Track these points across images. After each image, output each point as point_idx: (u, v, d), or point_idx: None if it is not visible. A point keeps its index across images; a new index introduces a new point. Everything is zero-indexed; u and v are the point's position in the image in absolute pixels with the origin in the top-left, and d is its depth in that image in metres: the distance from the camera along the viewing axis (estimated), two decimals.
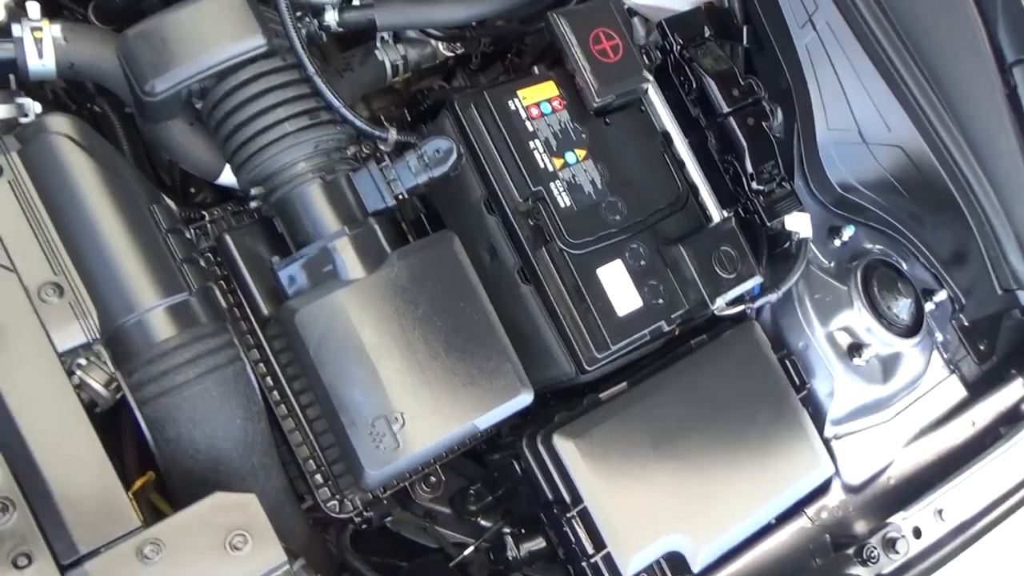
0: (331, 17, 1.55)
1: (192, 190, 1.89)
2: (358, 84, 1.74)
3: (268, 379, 1.47)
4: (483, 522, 1.69)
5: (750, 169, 1.62)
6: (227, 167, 1.52)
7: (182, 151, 1.50)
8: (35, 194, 1.25)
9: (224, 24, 1.34)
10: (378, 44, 1.72)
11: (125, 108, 1.65)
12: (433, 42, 1.79)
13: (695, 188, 1.67)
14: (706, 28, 1.68)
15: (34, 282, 1.22)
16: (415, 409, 1.35)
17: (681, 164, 1.66)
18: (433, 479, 1.69)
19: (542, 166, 1.52)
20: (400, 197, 1.44)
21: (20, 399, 1.16)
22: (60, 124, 1.28)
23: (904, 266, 1.82)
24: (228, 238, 1.47)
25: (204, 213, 1.52)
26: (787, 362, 1.64)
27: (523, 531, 1.59)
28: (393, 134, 1.48)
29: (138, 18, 1.57)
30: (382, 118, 1.88)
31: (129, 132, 1.86)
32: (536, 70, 1.59)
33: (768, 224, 1.62)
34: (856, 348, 1.69)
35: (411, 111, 1.86)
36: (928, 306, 1.80)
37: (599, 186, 1.55)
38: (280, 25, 1.41)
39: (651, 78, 1.61)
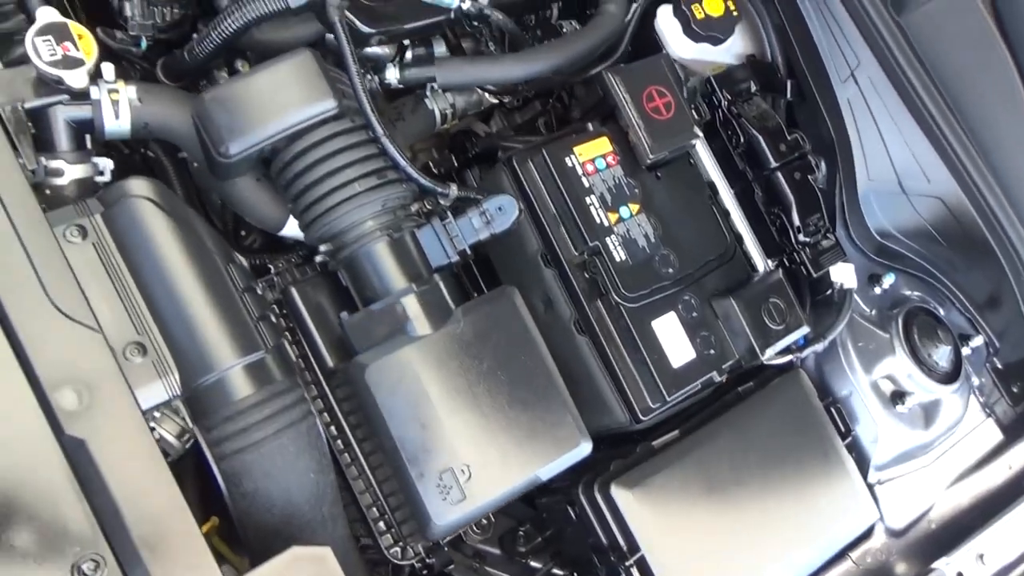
0: (392, 74, 1.59)
1: (243, 232, 1.93)
2: (409, 133, 1.79)
3: (332, 428, 1.51)
4: (533, 563, 1.72)
5: (797, 222, 1.66)
6: (290, 219, 1.57)
7: (249, 206, 1.54)
8: (118, 255, 1.28)
9: (297, 88, 1.38)
10: (428, 93, 1.76)
11: (178, 153, 1.69)
12: (479, 90, 1.84)
13: (740, 237, 1.71)
14: (752, 83, 1.73)
15: (119, 342, 1.25)
16: (481, 461, 1.39)
17: (727, 214, 1.71)
18: (484, 520, 1.72)
19: (598, 221, 1.56)
20: (463, 252, 1.48)
21: (108, 458, 1.19)
22: (142, 187, 1.32)
23: (941, 311, 1.86)
24: (294, 291, 1.50)
25: (270, 266, 1.56)
26: (832, 409, 1.69)
27: (574, 573, 1.63)
28: (454, 190, 1.52)
29: (204, 75, 1.64)
30: (430, 163, 1.94)
31: (182, 176, 1.91)
32: (590, 126, 1.63)
33: (815, 276, 1.67)
34: (899, 396, 1.73)
35: (457, 156, 1.92)
36: (965, 351, 1.84)
37: (652, 239, 1.60)
38: (346, 84, 1.46)
39: (701, 134, 1.65)
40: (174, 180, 1.84)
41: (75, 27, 1.34)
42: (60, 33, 1.32)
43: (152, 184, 1.33)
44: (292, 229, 1.59)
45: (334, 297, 1.54)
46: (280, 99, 1.38)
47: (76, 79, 1.32)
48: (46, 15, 1.33)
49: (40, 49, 1.30)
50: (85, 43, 1.34)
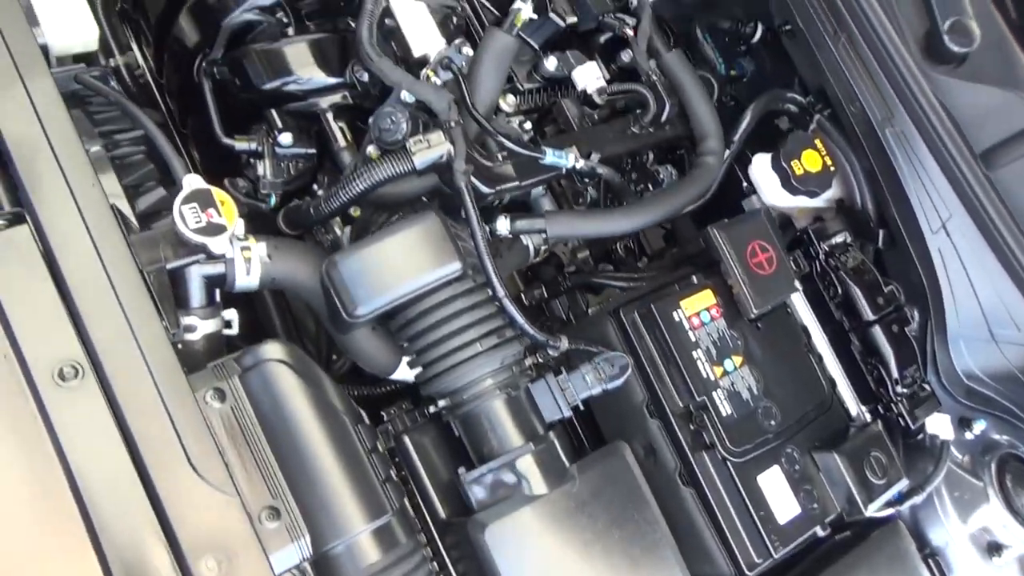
0: (503, 226, 1.64)
1: (334, 357, 1.98)
2: (506, 268, 1.84)
3: None
4: None
5: (896, 374, 1.69)
6: (402, 363, 1.61)
7: (364, 355, 1.57)
8: (255, 419, 1.32)
9: (425, 251, 1.43)
10: None
11: None
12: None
13: (833, 382, 1.74)
14: (847, 234, 1.77)
15: (256, 507, 1.28)
16: None
17: (820, 358, 1.74)
18: None
19: (704, 375, 1.59)
20: (576, 407, 1.51)
21: None
22: (277, 351, 1.36)
23: None
24: (407, 440, 1.54)
25: (383, 414, 1.59)
26: (930, 561, 1.69)
27: None
28: (565, 342, 1.56)
29: (323, 224, 1.69)
30: (522, 296, 1.98)
31: (279, 303, 1.97)
32: (694, 279, 1.67)
33: (912, 428, 1.69)
34: (996, 548, 1.73)
35: (550, 290, 1.96)
36: None
37: (755, 391, 1.62)
38: (463, 239, 1.51)
39: (800, 287, 1.69)
40: (271, 306, 1.90)
41: (218, 193, 1.40)
42: (205, 200, 1.38)
43: (286, 347, 1.37)
44: (402, 373, 1.63)
45: (444, 445, 1.58)
46: (409, 263, 1.43)
47: (219, 245, 1.38)
48: (192, 182, 1.38)
49: (187, 217, 1.36)
50: (227, 209, 1.39)
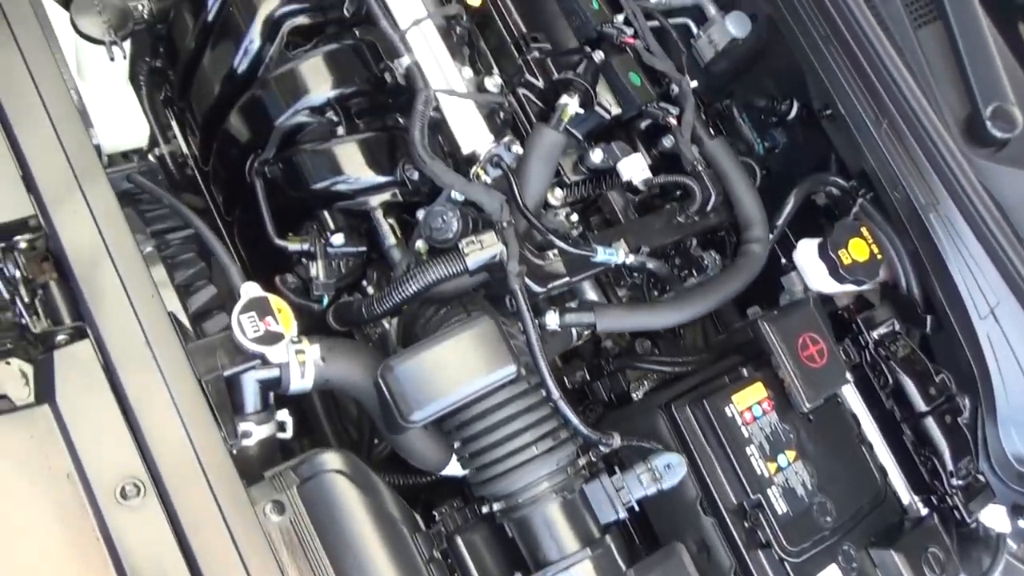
0: (552, 320, 1.63)
1: (376, 441, 1.97)
2: (549, 354, 1.83)
3: None
4: None
5: (950, 467, 1.67)
6: (453, 460, 1.60)
7: (416, 453, 1.56)
8: (313, 532, 1.31)
9: (480, 355, 1.42)
10: None
11: None
12: None
13: (884, 471, 1.72)
14: (895, 322, 1.77)
15: None
16: None
17: (870, 446, 1.72)
18: None
19: (759, 472, 1.58)
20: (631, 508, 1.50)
21: None
22: (335, 461, 1.35)
23: None
24: (460, 541, 1.52)
25: (435, 513, 1.58)
26: None
27: None
28: (617, 440, 1.54)
29: (372, 321, 1.69)
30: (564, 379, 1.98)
31: (322, 392, 1.96)
32: (744, 371, 1.66)
33: (968, 521, 1.67)
34: None
35: (592, 372, 1.95)
36: None
37: (809, 487, 1.61)
38: (516, 336, 1.50)
39: (851, 379, 1.68)
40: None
41: (276, 301, 1.40)
42: (262, 308, 1.38)
43: (344, 457, 1.37)
44: (452, 469, 1.62)
45: (497, 544, 1.56)
46: (465, 367, 1.42)
47: (277, 354, 1.38)
48: (249, 291, 1.39)
49: (245, 326, 1.36)
50: (284, 317, 1.40)
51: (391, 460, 1.88)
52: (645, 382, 1.98)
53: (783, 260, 1.98)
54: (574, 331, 1.81)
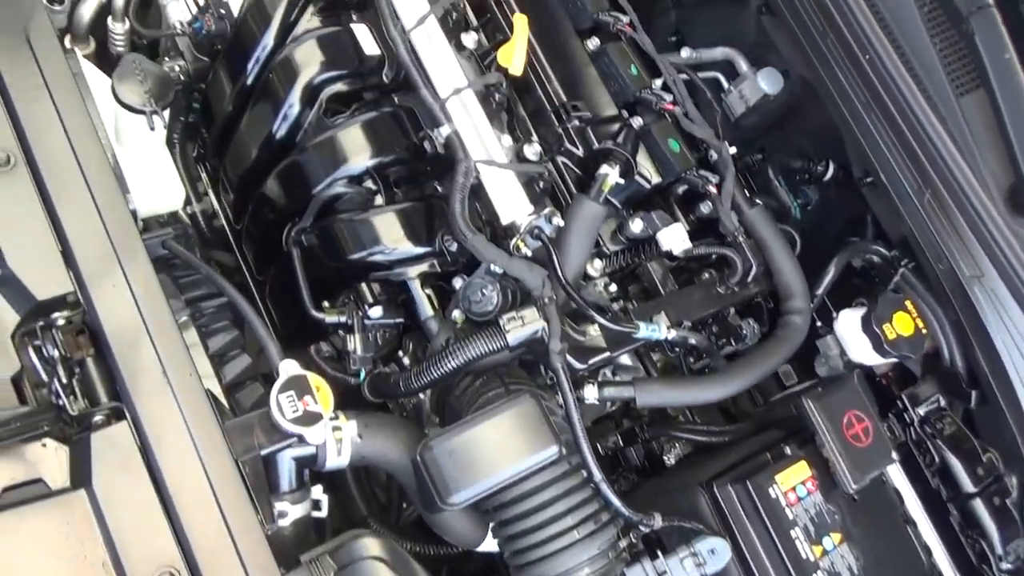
0: (591, 393, 1.60)
1: (404, 505, 1.93)
2: (583, 422, 1.79)
3: None
4: None
5: (999, 550, 1.62)
6: (488, 536, 1.56)
7: (451, 531, 1.53)
8: None
9: (522, 436, 1.39)
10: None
11: None
12: None
13: (929, 550, 1.67)
14: (940, 398, 1.73)
15: None
16: None
17: (914, 523, 1.68)
18: None
19: (804, 556, 1.53)
20: None
21: None
22: (373, 547, 1.32)
23: None
24: None
25: None
26: None
27: None
28: (658, 520, 1.51)
29: (409, 396, 1.66)
30: (598, 446, 1.94)
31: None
32: (788, 450, 1.62)
33: None
34: None
35: (624, 438, 1.92)
36: None
37: (856, 571, 1.56)
38: (554, 412, 1.47)
39: (897, 458, 1.64)
40: None
41: (314, 379, 1.37)
42: (301, 387, 1.35)
43: (382, 542, 1.34)
44: (487, 546, 1.58)
45: None
46: (506, 448, 1.38)
47: (315, 435, 1.35)
48: (288, 369, 1.36)
49: (283, 406, 1.33)
50: (323, 396, 1.37)
51: (419, 525, 1.85)
52: (677, 444, 1.95)
53: (819, 323, 1.94)
54: (608, 403, 1.78)
